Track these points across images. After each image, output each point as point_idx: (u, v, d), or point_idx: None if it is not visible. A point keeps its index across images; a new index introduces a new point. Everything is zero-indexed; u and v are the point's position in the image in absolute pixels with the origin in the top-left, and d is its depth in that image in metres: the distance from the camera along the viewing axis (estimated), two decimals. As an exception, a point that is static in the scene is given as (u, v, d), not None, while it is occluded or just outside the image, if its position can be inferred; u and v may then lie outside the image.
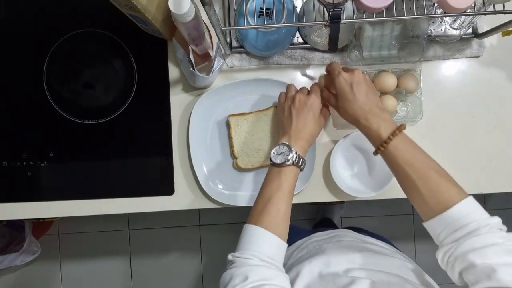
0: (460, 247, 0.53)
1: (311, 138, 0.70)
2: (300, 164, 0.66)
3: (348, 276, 0.57)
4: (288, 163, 0.64)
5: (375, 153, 0.65)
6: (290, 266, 0.67)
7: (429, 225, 0.59)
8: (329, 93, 0.74)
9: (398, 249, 0.77)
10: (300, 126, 0.69)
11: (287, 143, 0.67)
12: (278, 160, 0.65)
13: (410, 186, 0.60)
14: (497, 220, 0.55)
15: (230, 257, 0.57)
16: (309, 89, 0.74)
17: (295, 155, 0.65)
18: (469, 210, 0.55)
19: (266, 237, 0.58)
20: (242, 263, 0.55)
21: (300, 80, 0.84)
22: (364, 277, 0.56)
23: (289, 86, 0.75)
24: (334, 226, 1.65)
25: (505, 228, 0.54)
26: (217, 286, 0.55)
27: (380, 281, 0.55)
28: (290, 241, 0.79)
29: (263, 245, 0.57)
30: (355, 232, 0.78)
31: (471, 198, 0.57)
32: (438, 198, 0.57)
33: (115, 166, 0.84)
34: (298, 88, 0.76)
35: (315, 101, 0.71)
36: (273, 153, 0.66)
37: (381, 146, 0.63)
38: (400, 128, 0.63)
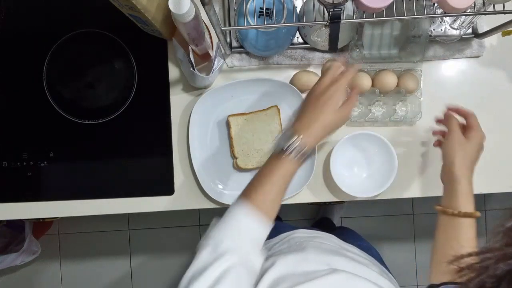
0: None
1: (323, 132, 0.63)
2: (300, 157, 0.60)
3: (328, 269, 0.58)
4: (287, 153, 0.60)
5: (438, 209, 0.67)
6: (268, 257, 0.67)
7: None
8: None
9: (386, 267, 0.76)
10: (312, 118, 0.62)
11: (293, 132, 0.61)
12: (279, 147, 0.60)
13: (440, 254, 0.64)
14: None
15: (213, 221, 0.57)
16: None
17: (297, 147, 0.60)
18: None
19: (252, 216, 0.57)
20: (223, 231, 0.55)
21: (300, 80, 0.84)
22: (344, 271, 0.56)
23: (323, 72, 0.67)
24: (334, 226, 1.65)
25: None
26: None
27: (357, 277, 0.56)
28: (274, 235, 0.79)
29: (247, 223, 0.56)
30: (338, 239, 0.78)
31: None
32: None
33: (115, 166, 0.84)
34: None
35: (337, 92, 0.63)
36: (279, 137, 0.62)
37: (457, 212, 0.64)
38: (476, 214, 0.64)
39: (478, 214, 0.64)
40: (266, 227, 0.58)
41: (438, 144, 0.77)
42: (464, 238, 0.63)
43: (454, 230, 0.64)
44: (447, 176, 0.68)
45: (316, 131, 0.62)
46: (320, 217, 1.70)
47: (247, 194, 0.59)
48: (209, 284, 0.48)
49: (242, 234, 0.56)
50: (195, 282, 0.48)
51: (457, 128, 0.70)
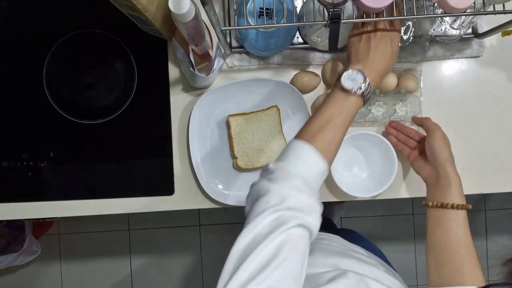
0: None
1: (385, 73, 0.66)
2: (367, 97, 0.62)
3: (337, 270, 0.57)
4: (358, 92, 0.60)
5: (426, 205, 0.69)
6: None
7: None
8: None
9: (392, 266, 0.77)
10: (377, 58, 0.64)
11: (363, 73, 0.61)
12: (348, 85, 0.60)
13: (438, 254, 0.65)
14: None
15: (271, 166, 0.53)
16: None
17: (367, 86, 0.61)
18: None
19: (316, 159, 0.54)
20: (284, 178, 0.51)
21: (300, 80, 0.84)
22: (354, 272, 0.56)
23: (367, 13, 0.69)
24: (334, 227, 1.65)
25: None
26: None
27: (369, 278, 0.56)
28: None
29: (311, 166, 0.54)
30: (344, 240, 0.78)
31: None
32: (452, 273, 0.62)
33: (115, 166, 0.84)
34: None
35: (397, 35, 0.67)
36: (345, 76, 0.61)
37: (456, 205, 0.65)
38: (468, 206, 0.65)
39: (470, 206, 0.66)
40: (326, 174, 0.57)
41: (408, 151, 0.79)
42: (462, 231, 0.64)
43: (452, 224, 0.65)
44: (440, 171, 0.69)
45: (381, 72, 0.65)
46: (320, 217, 1.70)
47: (309, 136, 0.56)
48: (273, 252, 0.44)
49: (307, 185, 0.52)
50: (256, 249, 0.44)
51: (438, 126, 0.74)
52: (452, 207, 0.65)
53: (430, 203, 0.68)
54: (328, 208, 1.71)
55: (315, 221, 0.50)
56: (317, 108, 0.62)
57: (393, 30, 0.66)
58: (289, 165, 0.53)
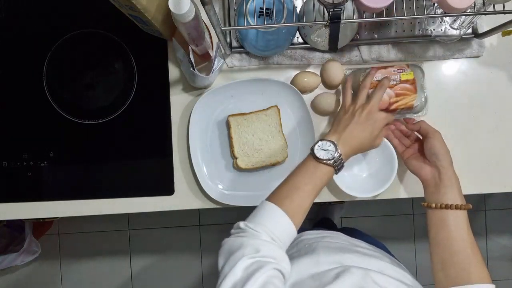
0: None
1: (359, 150, 0.70)
2: (338, 167, 0.65)
3: (342, 266, 0.58)
4: (329, 162, 0.63)
5: (429, 206, 0.69)
6: None
7: None
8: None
9: (396, 259, 0.77)
10: (353, 135, 0.68)
11: (335, 143, 0.65)
12: (320, 155, 0.64)
13: (443, 256, 0.65)
14: None
15: (242, 225, 0.57)
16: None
17: (338, 158, 0.64)
18: None
19: (283, 222, 0.58)
20: (254, 235, 0.55)
21: (300, 80, 0.84)
22: (358, 267, 0.56)
23: (362, 89, 0.72)
24: (334, 226, 1.65)
25: None
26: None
27: (374, 273, 0.56)
28: None
29: (278, 227, 0.57)
30: (346, 236, 0.78)
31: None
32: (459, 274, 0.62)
33: (115, 166, 0.84)
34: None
35: (383, 120, 0.71)
36: (318, 146, 0.65)
37: (460, 205, 0.66)
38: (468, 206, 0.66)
39: (471, 205, 0.67)
40: (293, 236, 0.60)
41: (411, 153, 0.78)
42: (465, 230, 0.65)
43: (455, 224, 0.65)
44: (443, 173, 0.69)
45: (354, 148, 0.68)
46: (320, 218, 1.70)
47: (278, 201, 0.60)
48: None
49: (276, 241, 0.56)
50: None
51: (435, 129, 0.74)
52: (456, 207, 0.65)
53: (433, 205, 0.67)
54: (328, 208, 1.71)
55: (287, 266, 0.54)
56: (291, 172, 0.65)
57: (381, 115, 0.70)
58: (260, 223, 0.57)
